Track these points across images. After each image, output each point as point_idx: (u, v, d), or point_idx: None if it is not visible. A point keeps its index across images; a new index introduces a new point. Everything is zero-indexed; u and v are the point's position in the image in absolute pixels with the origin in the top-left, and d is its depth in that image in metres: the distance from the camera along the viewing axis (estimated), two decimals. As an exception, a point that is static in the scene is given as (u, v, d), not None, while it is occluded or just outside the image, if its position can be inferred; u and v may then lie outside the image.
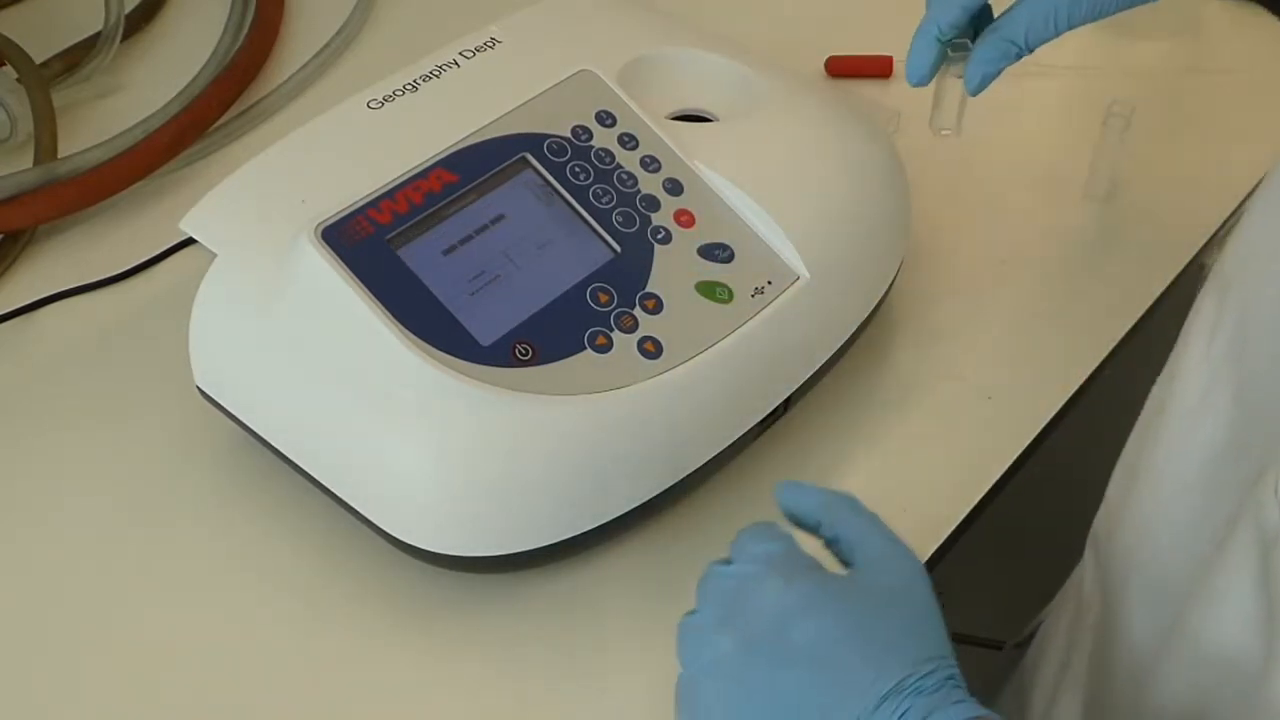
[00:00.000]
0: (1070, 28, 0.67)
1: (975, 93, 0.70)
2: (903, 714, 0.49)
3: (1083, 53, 0.92)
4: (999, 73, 0.69)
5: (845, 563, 0.56)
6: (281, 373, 0.63)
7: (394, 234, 0.62)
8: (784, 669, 0.51)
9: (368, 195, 0.63)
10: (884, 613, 0.52)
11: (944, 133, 0.73)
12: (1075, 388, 0.74)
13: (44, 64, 0.87)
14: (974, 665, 0.85)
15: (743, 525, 0.68)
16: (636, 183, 0.67)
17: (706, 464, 0.65)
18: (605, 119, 0.69)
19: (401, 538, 0.62)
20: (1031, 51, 0.68)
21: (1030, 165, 0.88)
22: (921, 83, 0.70)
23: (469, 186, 0.65)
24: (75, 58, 0.89)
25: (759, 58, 0.74)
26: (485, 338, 0.61)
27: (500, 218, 0.65)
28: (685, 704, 0.54)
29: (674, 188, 0.67)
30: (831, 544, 0.57)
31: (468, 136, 0.66)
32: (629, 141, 0.68)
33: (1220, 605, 0.53)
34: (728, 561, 0.56)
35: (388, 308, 0.60)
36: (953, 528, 0.69)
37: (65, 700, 0.62)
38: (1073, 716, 0.70)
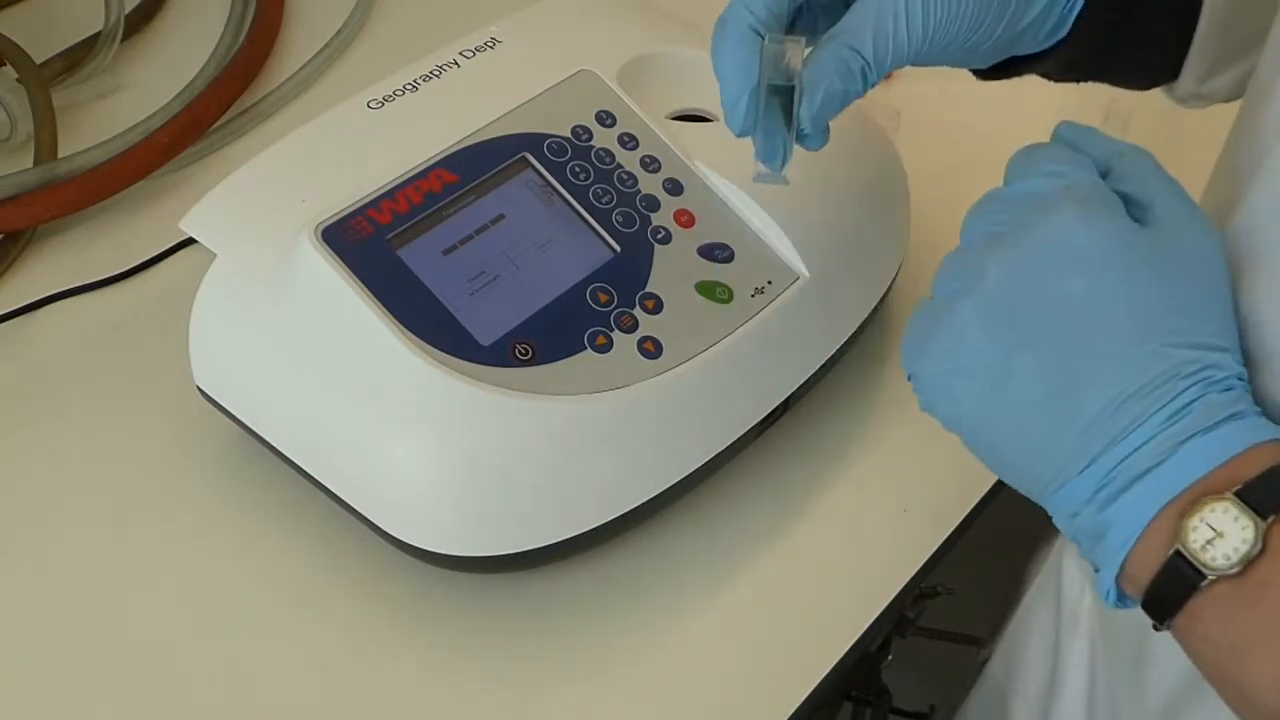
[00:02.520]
0: (925, 38, 0.54)
1: (817, 129, 0.54)
2: (1187, 405, 0.46)
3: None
4: (844, 99, 0.53)
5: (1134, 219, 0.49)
6: (281, 373, 0.63)
7: (394, 234, 0.62)
8: (1050, 325, 0.47)
9: (368, 195, 0.63)
10: (1184, 280, 0.47)
11: (766, 178, 0.56)
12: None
13: (44, 64, 0.87)
14: (976, 665, 0.85)
15: (743, 525, 0.68)
16: (636, 183, 0.67)
17: (706, 464, 0.65)
18: (605, 119, 0.69)
19: (401, 538, 0.62)
20: (878, 78, 0.54)
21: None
22: (746, 127, 0.54)
23: (469, 186, 0.65)
24: (75, 58, 0.89)
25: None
26: (485, 338, 0.61)
27: (500, 218, 0.65)
28: (916, 337, 0.50)
29: (674, 188, 0.67)
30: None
31: (468, 136, 0.66)
32: (629, 141, 0.68)
33: None
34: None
35: (388, 308, 0.60)
36: (953, 528, 0.69)
37: (64, 699, 0.62)
38: None
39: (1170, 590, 0.46)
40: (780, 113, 0.53)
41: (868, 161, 0.72)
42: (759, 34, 0.53)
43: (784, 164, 0.56)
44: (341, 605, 0.64)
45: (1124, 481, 0.46)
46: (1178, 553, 0.45)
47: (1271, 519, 0.44)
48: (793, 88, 0.53)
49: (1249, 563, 0.44)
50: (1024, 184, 0.49)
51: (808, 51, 0.54)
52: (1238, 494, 0.44)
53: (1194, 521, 0.45)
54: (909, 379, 0.51)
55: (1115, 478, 0.46)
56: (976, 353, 0.48)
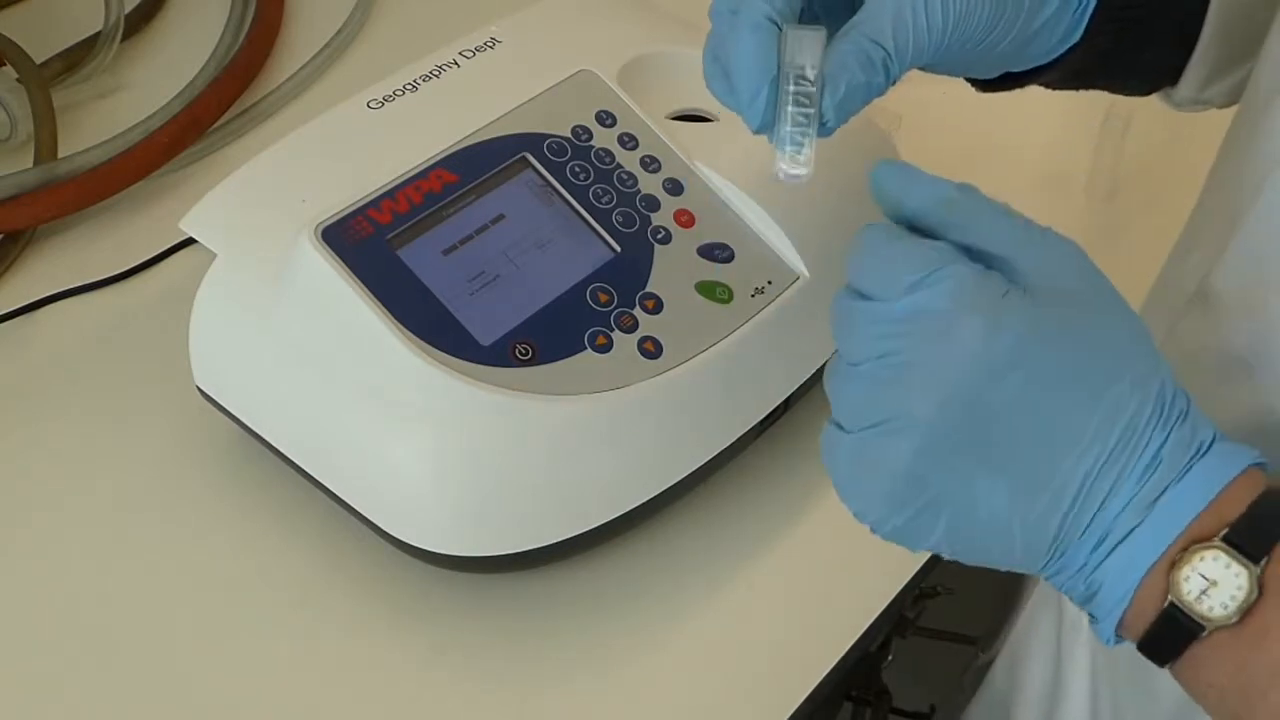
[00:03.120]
0: (945, 31, 0.52)
1: (839, 121, 0.52)
2: (1156, 454, 0.45)
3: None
4: (866, 93, 0.51)
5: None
6: (281, 373, 0.63)
7: (394, 234, 0.62)
8: (1001, 437, 0.45)
9: (368, 195, 0.63)
10: (1092, 324, 0.46)
11: (792, 175, 0.53)
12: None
13: (44, 64, 0.87)
14: (975, 667, 0.85)
15: (743, 525, 0.68)
16: (636, 183, 0.67)
17: (706, 464, 0.65)
18: (605, 119, 0.69)
19: (401, 538, 0.62)
20: (900, 71, 0.52)
21: (1030, 165, 0.88)
22: (766, 120, 0.51)
23: (469, 186, 0.65)
24: (75, 58, 0.89)
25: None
26: (485, 338, 0.61)
27: (500, 218, 0.65)
28: (854, 483, 0.47)
29: (674, 188, 0.67)
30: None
31: (468, 136, 0.66)
32: (629, 141, 0.68)
33: None
34: (858, 294, 0.47)
35: (388, 308, 0.60)
36: (953, 528, 0.68)
37: (64, 699, 0.62)
38: None
39: (1169, 639, 0.45)
40: (800, 105, 0.51)
41: (868, 162, 0.72)
42: (775, 24, 0.50)
43: (809, 157, 0.53)
44: (341, 605, 0.64)
45: (1110, 546, 0.45)
46: (1173, 605, 0.44)
47: (1265, 561, 0.44)
48: (812, 79, 0.50)
49: (1247, 610, 0.44)
50: (907, 300, 0.45)
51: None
52: (1225, 539, 0.44)
53: (1185, 572, 0.44)
54: (860, 521, 0.48)
55: (1102, 545, 0.46)
56: (936, 491, 0.46)
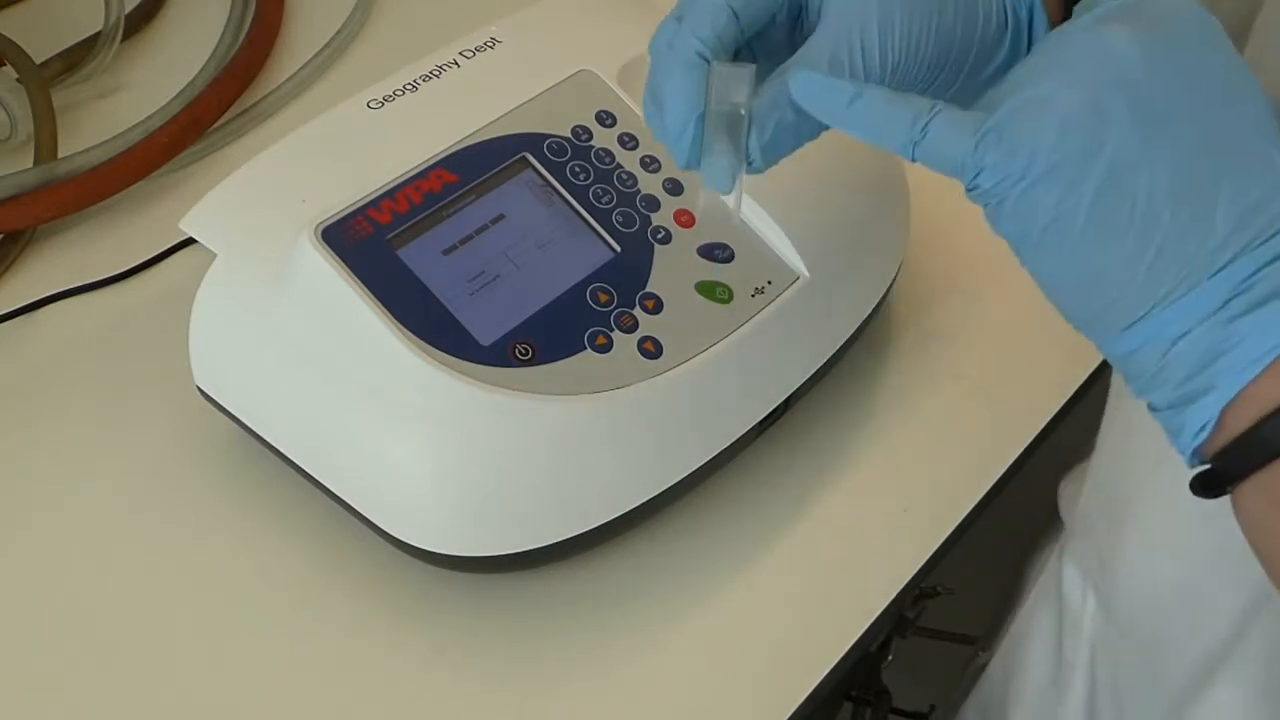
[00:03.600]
0: (884, 75, 0.50)
1: (766, 162, 0.50)
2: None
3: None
4: (798, 135, 0.50)
5: None
6: (281, 373, 0.63)
7: (394, 234, 0.62)
8: (1197, 109, 0.42)
9: (368, 195, 0.63)
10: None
11: (712, 212, 0.52)
12: (1075, 388, 0.74)
13: (44, 64, 0.87)
14: (973, 667, 0.85)
15: (743, 525, 0.68)
16: (636, 183, 0.67)
17: (706, 464, 0.65)
18: (605, 119, 0.69)
19: (401, 538, 0.62)
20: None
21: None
22: (691, 158, 0.50)
23: (469, 186, 0.65)
24: (75, 58, 0.89)
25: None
26: (485, 338, 0.61)
27: (500, 218, 0.65)
28: (1029, 136, 0.43)
29: (674, 187, 0.67)
30: None
31: (468, 136, 0.66)
32: (629, 141, 0.68)
33: None
34: None
35: (388, 308, 0.60)
36: (953, 528, 0.69)
37: (63, 699, 0.62)
38: None
39: (1263, 449, 0.42)
40: (729, 142, 0.50)
41: (867, 161, 0.72)
42: (705, 60, 0.49)
43: (734, 197, 0.51)
44: (341, 605, 0.64)
45: (1266, 291, 0.41)
46: None
47: None
48: (741, 116, 0.49)
49: None
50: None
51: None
52: None
53: None
54: (977, 189, 0.45)
55: (1255, 284, 0.42)
56: (1113, 148, 0.42)
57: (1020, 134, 0.43)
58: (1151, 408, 0.45)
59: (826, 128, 0.50)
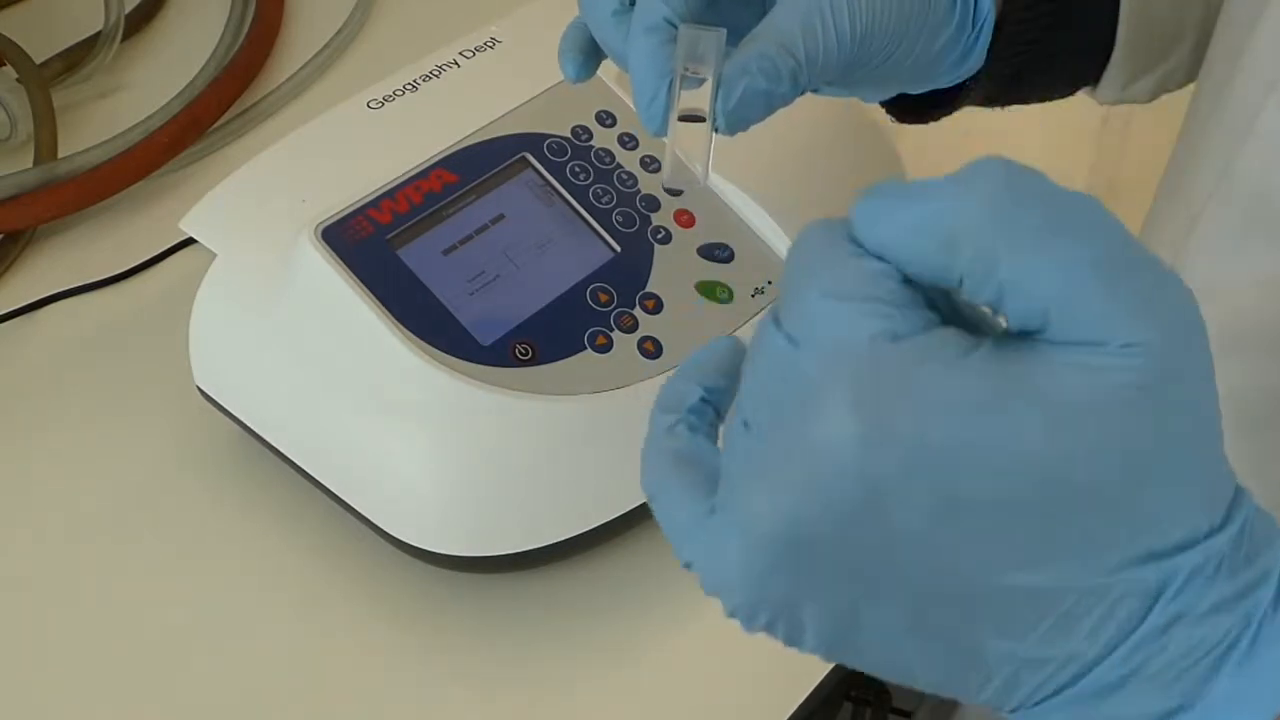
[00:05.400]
0: (854, 41, 0.49)
1: (731, 128, 0.48)
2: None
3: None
4: (768, 101, 0.48)
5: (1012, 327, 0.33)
6: (281, 373, 0.63)
7: (394, 234, 0.62)
8: (877, 562, 0.33)
9: (368, 195, 0.63)
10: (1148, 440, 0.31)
11: (678, 180, 0.49)
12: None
13: (44, 64, 0.87)
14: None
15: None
16: (636, 183, 0.67)
17: (706, 464, 0.65)
18: (605, 119, 0.69)
19: (402, 538, 0.62)
20: (809, 82, 0.49)
21: (1030, 165, 0.87)
22: (664, 125, 0.48)
23: (469, 186, 0.65)
24: (75, 58, 0.89)
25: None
26: (485, 338, 0.61)
27: (500, 218, 0.65)
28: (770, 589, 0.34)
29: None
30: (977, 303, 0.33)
31: (468, 136, 0.66)
32: (629, 141, 0.68)
33: None
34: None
35: (388, 308, 0.60)
36: (953, 528, 0.68)
37: (62, 700, 0.62)
38: None
39: None
40: (693, 108, 0.48)
41: (867, 161, 0.72)
42: (673, 25, 0.48)
43: (705, 166, 0.49)
44: (341, 605, 0.64)
45: None
46: None
47: None
48: (708, 81, 0.47)
49: None
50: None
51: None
52: None
53: None
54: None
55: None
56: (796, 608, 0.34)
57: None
58: None
59: (802, 91, 0.49)
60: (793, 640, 0.35)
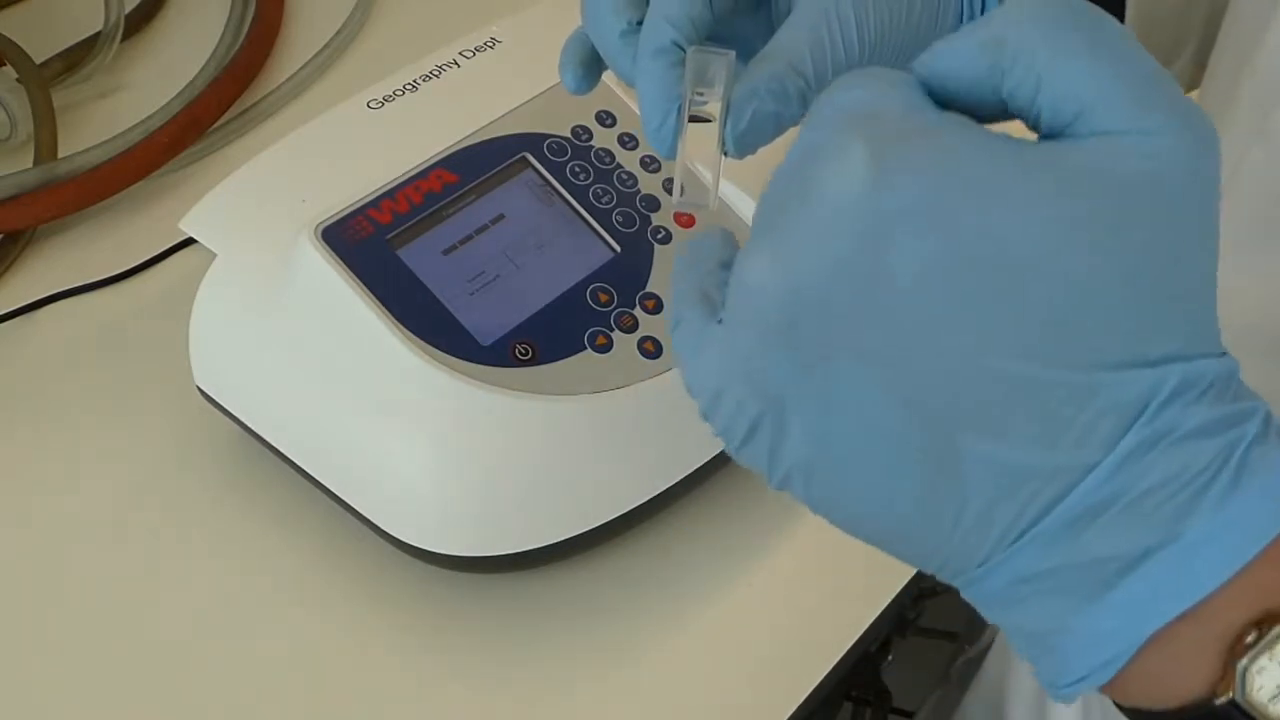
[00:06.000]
0: (862, 57, 0.47)
1: (740, 152, 0.47)
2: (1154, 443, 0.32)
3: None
4: (778, 123, 0.46)
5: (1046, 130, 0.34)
6: (281, 373, 0.63)
7: (394, 234, 0.62)
8: (870, 326, 0.33)
9: (368, 195, 0.63)
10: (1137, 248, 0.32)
11: (689, 204, 0.49)
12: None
13: (44, 64, 0.87)
14: (961, 664, 0.85)
15: (743, 525, 0.68)
16: (636, 183, 0.67)
17: (707, 464, 0.65)
18: (605, 119, 0.69)
19: (402, 538, 0.62)
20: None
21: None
22: (669, 152, 0.47)
23: (469, 186, 0.65)
24: (75, 58, 0.89)
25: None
26: (485, 338, 0.61)
27: (500, 218, 0.65)
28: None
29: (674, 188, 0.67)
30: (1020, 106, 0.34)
31: (468, 136, 0.66)
32: (629, 141, 0.68)
33: None
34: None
35: (388, 308, 0.60)
36: (953, 528, 0.68)
37: (63, 699, 0.62)
38: None
39: None
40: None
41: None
42: (681, 48, 0.47)
43: (714, 191, 0.49)
44: (341, 605, 0.64)
45: (1086, 576, 0.33)
46: (1233, 703, 0.32)
47: None
48: (719, 105, 0.47)
49: None
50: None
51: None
52: None
53: (1262, 663, 0.32)
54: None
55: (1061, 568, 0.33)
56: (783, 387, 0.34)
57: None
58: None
59: (805, 113, 0.47)
60: (776, 447, 0.35)
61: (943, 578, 0.36)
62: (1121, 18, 0.62)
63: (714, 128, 0.48)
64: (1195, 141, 0.32)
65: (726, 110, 0.47)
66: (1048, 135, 0.33)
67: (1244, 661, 0.32)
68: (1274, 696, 0.32)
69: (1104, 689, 0.34)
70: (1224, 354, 0.33)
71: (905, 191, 0.32)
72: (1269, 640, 0.32)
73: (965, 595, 0.36)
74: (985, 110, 0.35)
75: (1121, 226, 0.31)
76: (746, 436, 0.36)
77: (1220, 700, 0.32)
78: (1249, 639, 0.32)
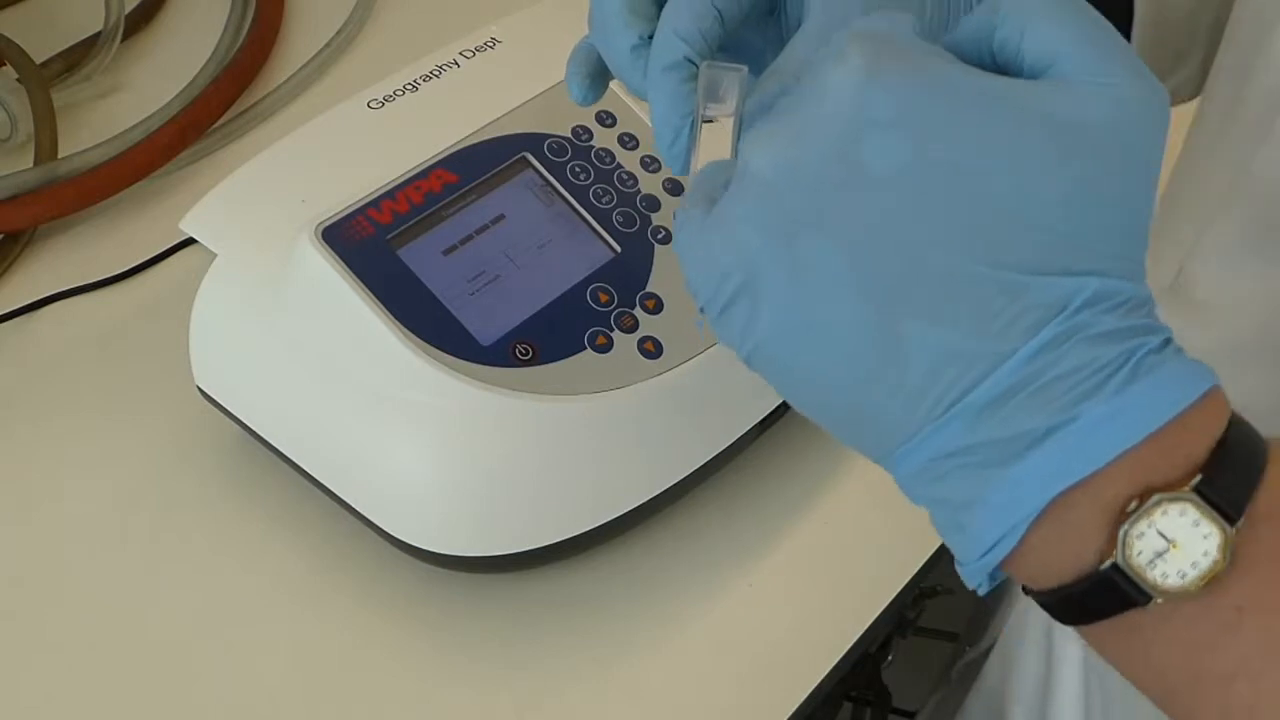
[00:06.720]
0: None
1: None
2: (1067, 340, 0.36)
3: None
4: None
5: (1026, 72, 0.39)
6: (281, 373, 0.63)
7: (394, 234, 0.62)
8: (845, 215, 0.37)
9: (368, 195, 0.63)
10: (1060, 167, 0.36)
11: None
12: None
13: (44, 64, 0.87)
14: (961, 664, 0.85)
15: (743, 525, 0.68)
16: (637, 183, 0.67)
17: (706, 464, 0.65)
18: (605, 119, 0.69)
19: (402, 538, 0.62)
20: None
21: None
22: (683, 168, 0.47)
23: (469, 186, 0.65)
24: (75, 58, 0.89)
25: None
26: (485, 338, 0.61)
27: (500, 218, 0.65)
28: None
29: (674, 188, 0.67)
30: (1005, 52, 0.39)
31: (468, 136, 0.66)
32: (629, 141, 0.68)
33: None
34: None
35: (388, 308, 0.60)
36: (953, 528, 0.68)
37: (63, 699, 0.62)
38: None
39: (1094, 602, 0.37)
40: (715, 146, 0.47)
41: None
42: (693, 63, 0.46)
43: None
44: (341, 605, 0.64)
45: (998, 450, 0.37)
46: (1114, 566, 0.36)
47: (1240, 524, 0.35)
48: (731, 120, 0.46)
49: (1211, 578, 0.35)
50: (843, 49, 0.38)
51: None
52: (1199, 488, 0.35)
53: (1140, 528, 0.36)
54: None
55: (982, 446, 0.37)
56: (752, 256, 0.38)
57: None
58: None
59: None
60: (751, 317, 0.39)
61: (876, 458, 0.40)
62: (1129, 25, 0.62)
63: (728, 140, 0.48)
64: (1147, 91, 0.37)
65: (739, 125, 0.47)
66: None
67: (1125, 526, 0.36)
68: (1151, 561, 0.36)
69: (1009, 566, 0.38)
70: (1143, 283, 0.38)
71: (892, 95, 0.37)
72: (1147, 508, 0.36)
73: (895, 475, 0.40)
74: (978, 62, 0.39)
75: (1068, 156, 0.36)
76: (727, 303, 0.40)
77: (1104, 565, 0.36)
78: (1130, 508, 0.36)
